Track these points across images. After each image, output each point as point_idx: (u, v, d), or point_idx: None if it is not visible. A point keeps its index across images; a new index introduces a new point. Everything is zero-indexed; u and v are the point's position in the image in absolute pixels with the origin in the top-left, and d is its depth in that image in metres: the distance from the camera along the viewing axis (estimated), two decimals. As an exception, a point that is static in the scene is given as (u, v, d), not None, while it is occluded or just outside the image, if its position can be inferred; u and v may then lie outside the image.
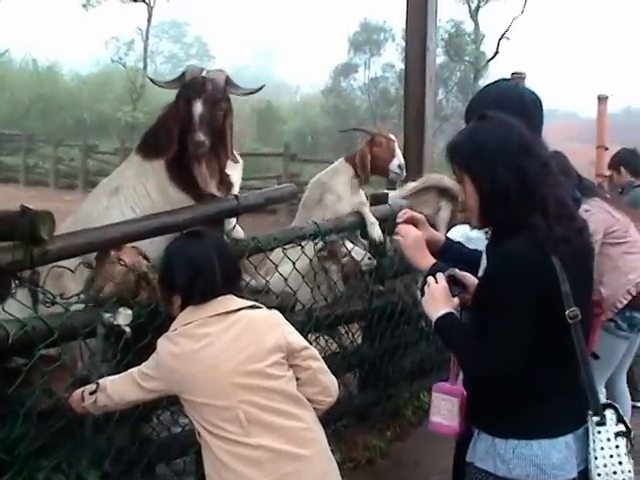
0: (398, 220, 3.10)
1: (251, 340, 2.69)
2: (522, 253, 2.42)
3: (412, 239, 2.91)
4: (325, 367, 2.86)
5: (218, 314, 2.72)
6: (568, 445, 2.48)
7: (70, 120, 32.27)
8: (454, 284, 2.69)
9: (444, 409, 2.74)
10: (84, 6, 36.81)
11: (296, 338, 2.80)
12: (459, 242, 3.31)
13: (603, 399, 4.12)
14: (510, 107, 2.84)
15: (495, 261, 2.51)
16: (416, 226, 3.05)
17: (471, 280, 2.71)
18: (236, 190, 4.25)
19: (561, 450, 2.46)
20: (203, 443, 2.70)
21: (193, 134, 3.77)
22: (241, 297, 2.85)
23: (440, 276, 2.66)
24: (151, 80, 4.00)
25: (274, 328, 2.76)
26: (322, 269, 4.84)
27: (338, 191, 5.27)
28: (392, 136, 5.67)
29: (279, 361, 2.71)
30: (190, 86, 3.89)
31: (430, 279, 2.66)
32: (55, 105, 33.28)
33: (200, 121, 3.78)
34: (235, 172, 4.29)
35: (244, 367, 2.65)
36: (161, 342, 2.77)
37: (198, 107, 3.81)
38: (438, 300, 2.60)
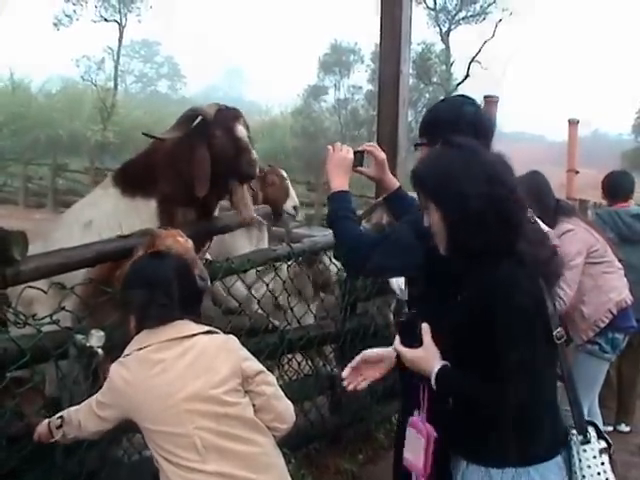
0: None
1: (206, 367, 2.65)
2: (516, 277, 2.39)
3: (339, 157, 2.96)
4: (280, 393, 2.80)
5: (173, 339, 2.67)
6: (559, 465, 2.49)
7: (40, 138, 32.08)
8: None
9: (416, 446, 2.68)
10: (55, 25, 36.84)
11: (251, 364, 2.75)
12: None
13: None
14: (466, 128, 2.84)
15: (489, 290, 2.40)
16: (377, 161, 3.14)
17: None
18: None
19: (556, 472, 2.47)
20: (160, 469, 2.64)
21: (248, 154, 3.77)
22: (199, 322, 2.79)
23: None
24: (147, 135, 3.85)
25: (229, 354, 2.72)
26: (295, 292, 4.83)
27: (237, 249, 5.20)
28: (284, 173, 5.51)
29: (235, 388, 2.67)
30: (223, 114, 3.82)
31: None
32: (25, 123, 33.07)
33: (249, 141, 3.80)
34: None
35: (200, 394, 2.61)
36: (114, 367, 2.71)
37: (241, 129, 3.81)
38: (425, 356, 2.52)
